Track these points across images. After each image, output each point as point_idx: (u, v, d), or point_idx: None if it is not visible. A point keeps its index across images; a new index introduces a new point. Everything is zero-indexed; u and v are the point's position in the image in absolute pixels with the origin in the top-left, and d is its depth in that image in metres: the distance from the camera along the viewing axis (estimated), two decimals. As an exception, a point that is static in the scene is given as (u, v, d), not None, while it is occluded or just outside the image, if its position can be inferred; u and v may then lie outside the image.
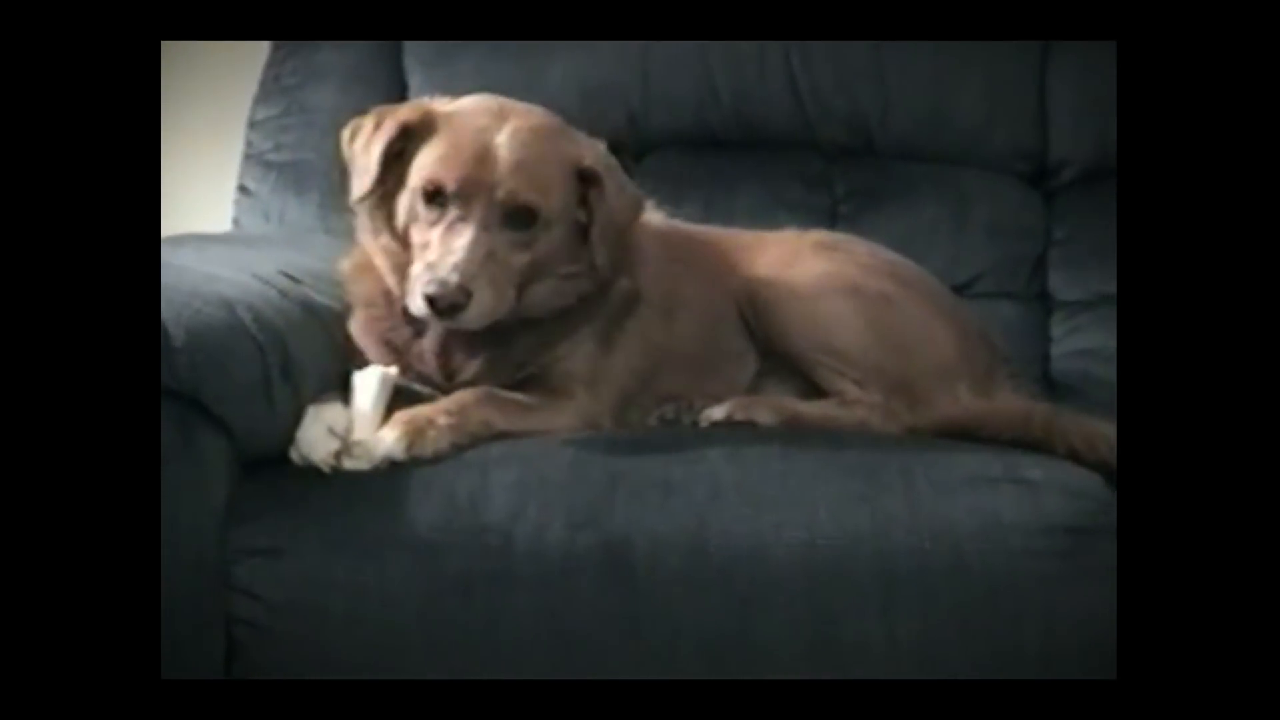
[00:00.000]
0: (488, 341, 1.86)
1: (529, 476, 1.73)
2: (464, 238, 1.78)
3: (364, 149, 1.86)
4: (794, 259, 2.05)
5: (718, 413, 1.91)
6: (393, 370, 1.83)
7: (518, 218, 1.81)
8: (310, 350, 1.84)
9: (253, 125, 2.58)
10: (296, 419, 1.77)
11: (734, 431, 1.89)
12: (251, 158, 2.56)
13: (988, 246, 2.50)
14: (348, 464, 1.74)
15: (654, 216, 2.05)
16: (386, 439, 1.74)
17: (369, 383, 1.80)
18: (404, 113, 1.87)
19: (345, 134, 1.91)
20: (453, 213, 1.79)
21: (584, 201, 1.85)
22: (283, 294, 1.88)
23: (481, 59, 2.53)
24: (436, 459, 1.75)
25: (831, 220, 2.45)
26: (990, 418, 1.93)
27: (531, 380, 1.90)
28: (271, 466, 1.75)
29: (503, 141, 1.81)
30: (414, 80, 2.56)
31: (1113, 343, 2.28)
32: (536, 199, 1.81)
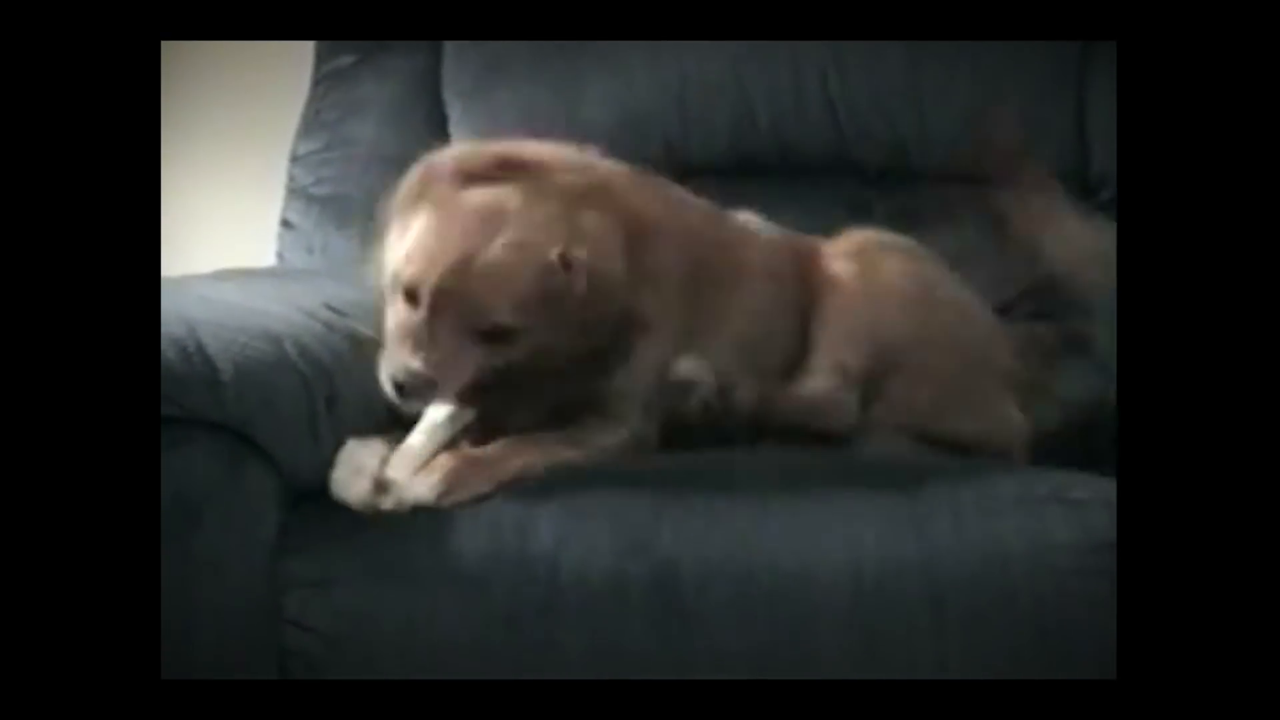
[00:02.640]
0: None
1: (575, 506, 1.73)
2: (435, 338, 1.77)
3: (400, 224, 1.85)
4: (871, 259, 2.06)
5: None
6: (469, 412, 1.83)
7: (494, 334, 1.79)
8: (355, 383, 1.85)
9: (295, 160, 2.59)
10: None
11: (780, 455, 1.89)
12: (294, 192, 2.58)
13: (1030, 267, 2.48)
14: (384, 504, 1.74)
15: (758, 235, 2.06)
16: (421, 485, 1.74)
17: (434, 419, 1.81)
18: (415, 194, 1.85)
19: (392, 191, 1.90)
20: (428, 316, 1.78)
21: (576, 294, 1.81)
22: (327, 327, 1.90)
23: (520, 89, 2.54)
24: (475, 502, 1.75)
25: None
26: None
27: (583, 405, 1.89)
28: (319, 499, 1.76)
29: (486, 260, 1.78)
30: (453, 112, 2.58)
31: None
32: (511, 321, 1.79)
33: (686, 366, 1.87)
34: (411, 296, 1.80)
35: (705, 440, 1.93)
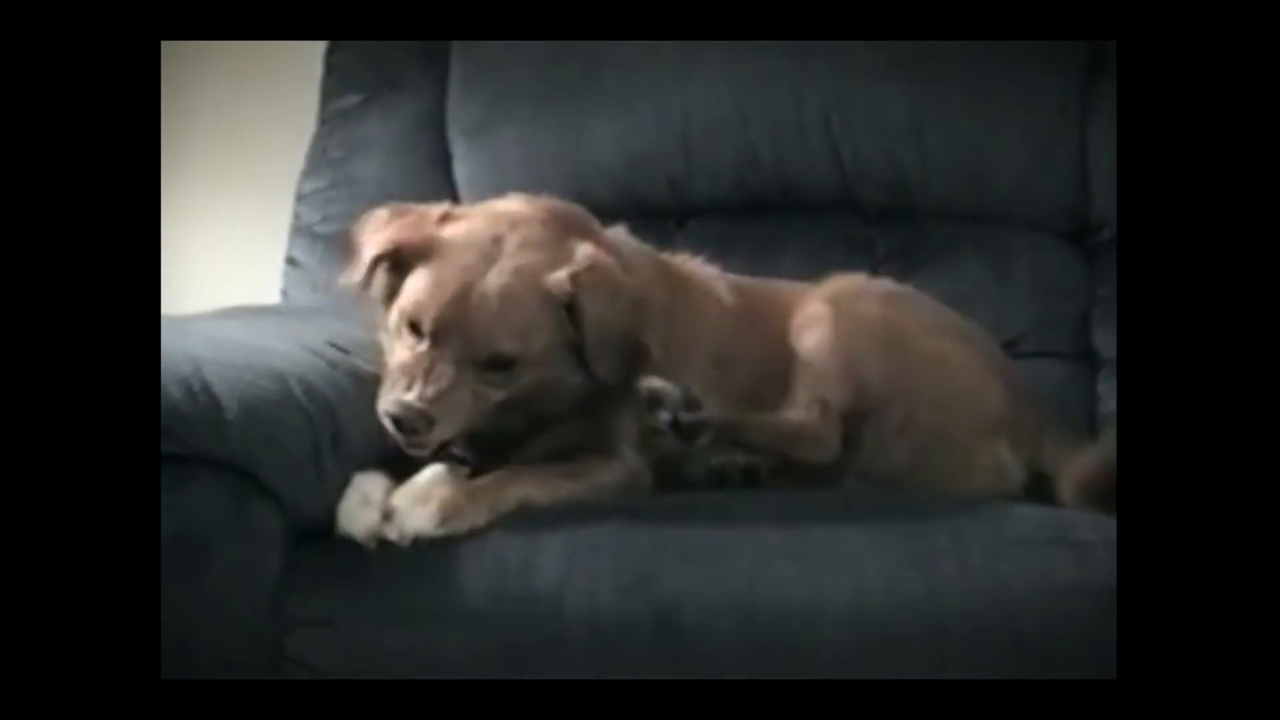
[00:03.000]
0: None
1: (578, 543, 1.74)
2: (435, 372, 1.78)
3: (367, 245, 1.88)
4: (853, 303, 2.05)
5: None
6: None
7: (494, 363, 1.81)
8: (359, 421, 1.86)
9: (300, 198, 2.61)
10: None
11: (783, 493, 1.89)
12: (299, 230, 2.59)
13: (1031, 306, 2.49)
14: (389, 534, 1.74)
15: (706, 271, 2.07)
16: (419, 514, 1.74)
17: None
18: (405, 230, 1.87)
19: (361, 220, 1.94)
20: (429, 347, 1.80)
21: (576, 322, 1.83)
22: (332, 365, 1.90)
23: (524, 128, 2.56)
24: (472, 534, 1.75)
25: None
26: None
27: (577, 445, 1.90)
28: (323, 537, 1.76)
29: (485, 289, 1.80)
30: (457, 150, 2.59)
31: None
32: (514, 348, 1.81)
33: (653, 382, 1.87)
34: (415, 328, 1.81)
35: (687, 465, 1.94)
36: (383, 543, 1.74)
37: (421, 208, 1.94)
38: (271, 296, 2.60)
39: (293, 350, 1.89)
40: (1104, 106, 2.55)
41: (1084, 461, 1.99)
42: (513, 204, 1.94)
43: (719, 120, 2.54)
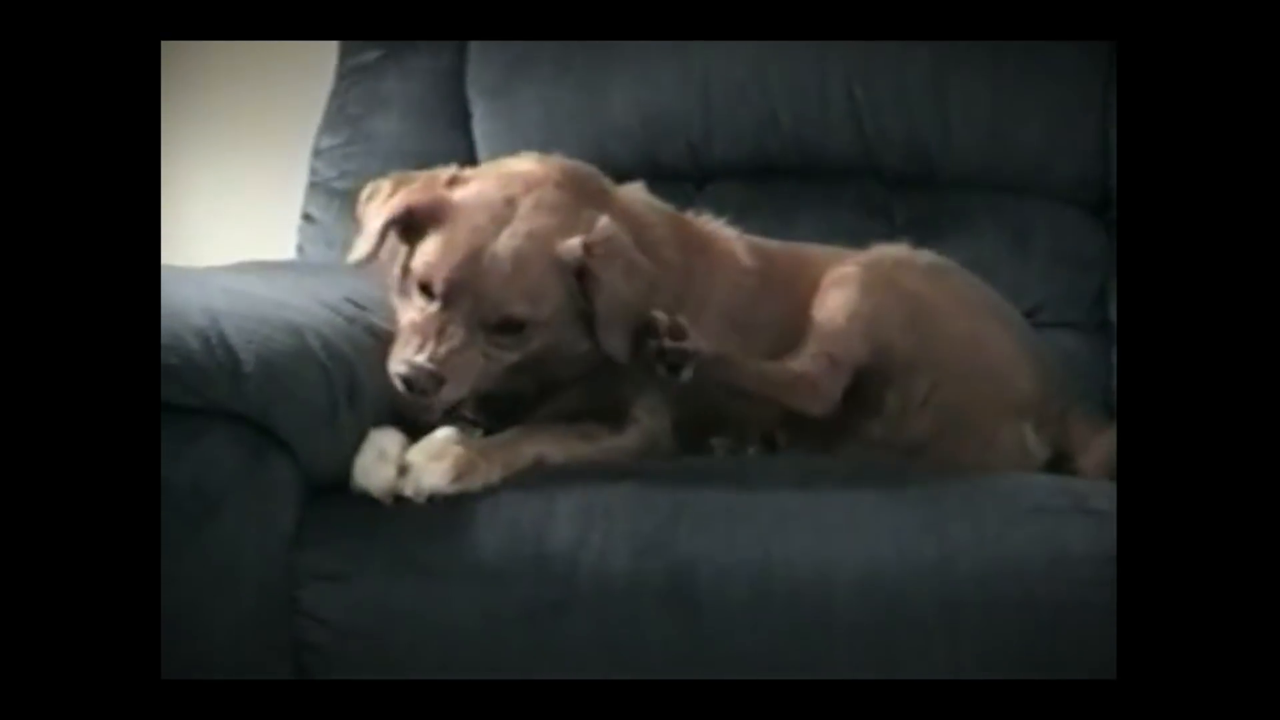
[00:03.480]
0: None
1: (593, 504, 1.73)
2: (446, 333, 1.78)
3: (373, 216, 1.87)
4: (890, 271, 2.03)
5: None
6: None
7: (505, 326, 1.80)
8: (376, 377, 1.85)
9: (317, 154, 2.60)
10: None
11: (800, 458, 1.89)
12: (316, 186, 2.59)
13: (1049, 276, 2.49)
14: (404, 490, 1.73)
15: (726, 232, 2.06)
16: (434, 471, 1.74)
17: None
18: (416, 194, 1.85)
19: (363, 193, 1.92)
20: (440, 308, 1.80)
21: (587, 291, 1.82)
22: (349, 321, 1.89)
23: (544, 88, 2.55)
24: (486, 491, 1.75)
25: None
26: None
27: (589, 410, 1.90)
28: (338, 492, 1.76)
29: (496, 250, 1.79)
30: (477, 109, 2.58)
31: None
32: (524, 311, 1.80)
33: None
34: (426, 290, 1.81)
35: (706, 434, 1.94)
36: (398, 499, 1.73)
37: (426, 173, 1.93)
38: (287, 252, 2.60)
39: (309, 305, 1.88)
40: (1126, 77, 2.54)
41: (1105, 441, 1.98)
42: (526, 164, 1.93)
43: (740, 84, 2.54)
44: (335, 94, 2.63)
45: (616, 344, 1.83)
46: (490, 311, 1.79)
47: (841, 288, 1.99)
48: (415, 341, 1.78)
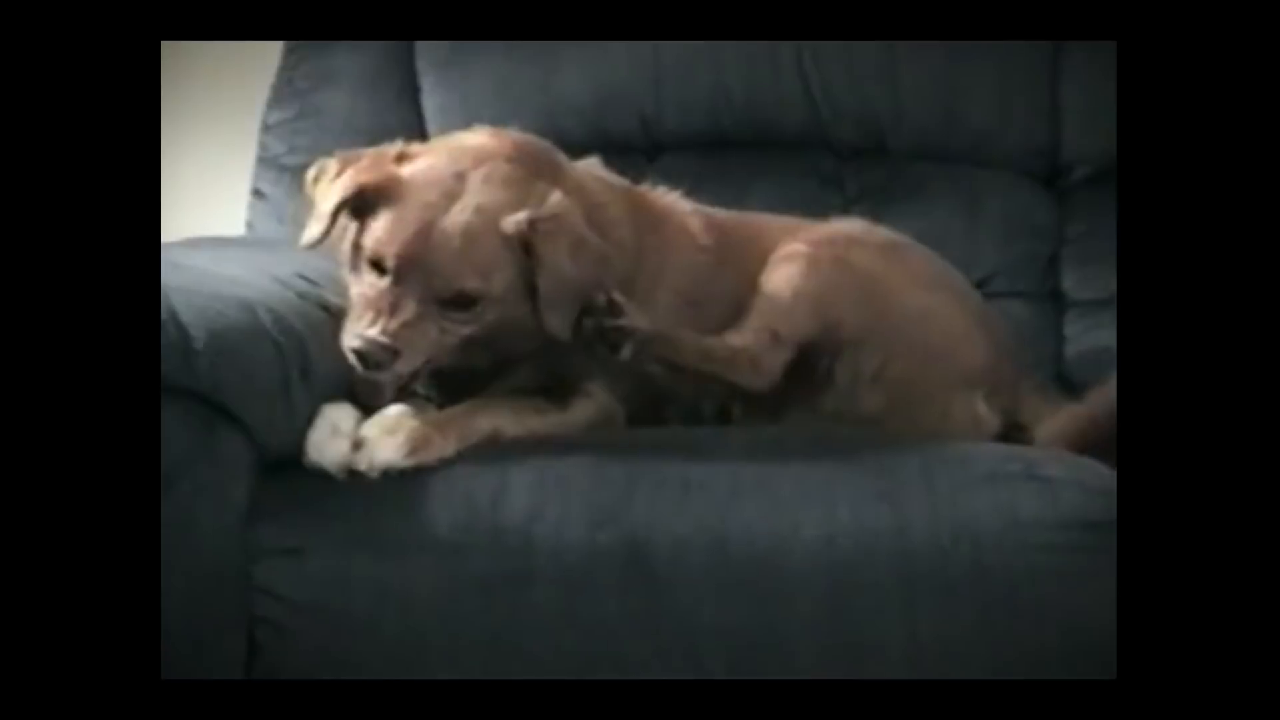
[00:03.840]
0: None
1: (548, 476, 1.73)
2: (398, 306, 1.77)
3: (323, 197, 1.85)
4: (843, 249, 2.03)
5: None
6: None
7: (457, 300, 1.80)
8: (328, 352, 1.84)
9: (266, 129, 2.58)
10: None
11: (755, 429, 1.89)
12: (265, 161, 2.57)
13: (1000, 246, 2.50)
14: (358, 464, 1.73)
15: (681, 205, 2.06)
16: (388, 445, 1.73)
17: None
18: (365, 173, 1.84)
19: (310, 174, 1.90)
20: (392, 284, 1.79)
21: (533, 268, 1.82)
22: (300, 296, 1.89)
23: (494, 61, 2.54)
24: (441, 464, 1.74)
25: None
26: None
27: (543, 385, 1.89)
28: (292, 467, 1.76)
29: (447, 225, 1.79)
30: (426, 81, 2.57)
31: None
32: (476, 286, 1.80)
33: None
34: (378, 266, 1.80)
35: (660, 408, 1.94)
36: (352, 473, 1.73)
37: (374, 150, 1.91)
38: (237, 229, 2.58)
39: (260, 280, 1.87)
40: (1075, 48, 2.55)
41: (1062, 415, 2.00)
42: (477, 137, 1.92)
43: (690, 56, 2.53)
44: (283, 68, 2.60)
45: (557, 321, 1.82)
46: (442, 286, 1.79)
47: (790, 263, 1.99)
48: (368, 316, 1.78)
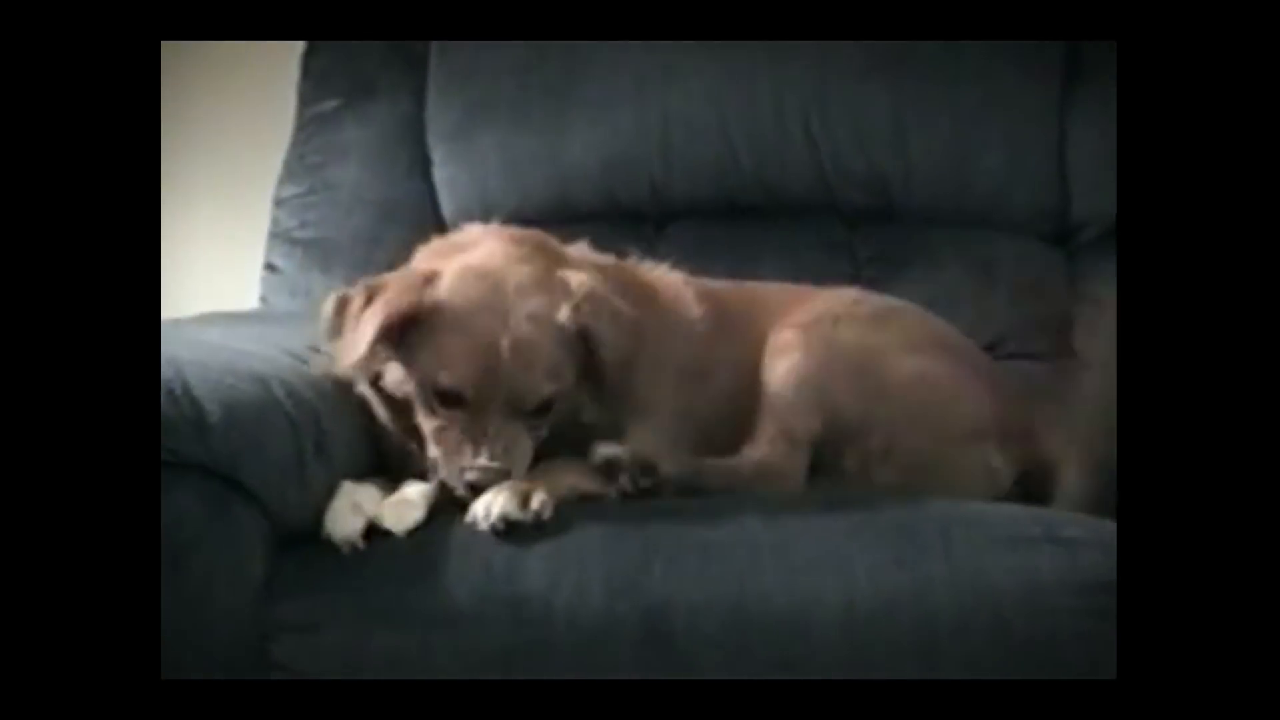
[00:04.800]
0: None
1: (566, 545, 1.73)
2: (492, 430, 1.80)
3: (353, 326, 1.84)
4: (830, 329, 2.03)
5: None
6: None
7: (538, 410, 1.83)
8: (343, 426, 1.85)
9: (278, 203, 2.60)
10: (330, 494, 1.78)
11: (769, 493, 1.89)
12: (278, 235, 2.58)
13: (1011, 308, 2.49)
14: (476, 517, 1.74)
15: (671, 278, 2.07)
16: (500, 502, 1.74)
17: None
18: (401, 300, 1.83)
19: (328, 305, 1.89)
20: (473, 410, 1.81)
21: (589, 348, 1.85)
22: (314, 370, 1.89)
23: (503, 132, 2.56)
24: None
25: (854, 286, 2.45)
26: None
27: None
28: (307, 541, 1.75)
29: (512, 344, 1.80)
30: (437, 155, 2.59)
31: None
32: (554, 389, 1.83)
33: (602, 450, 1.87)
34: (450, 399, 1.81)
35: None
36: (365, 545, 1.74)
37: (395, 275, 1.90)
38: (250, 303, 2.58)
39: (274, 354, 1.88)
40: (1082, 109, 2.56)
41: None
42: (483, 241, 1.93)
43: (699, 124, 2.55)
44: (295, 143, 2.62)
45: (622, 388, 1.86)
46: (527, 400, 1.82)
47: (786, 355, 1.99)
48: (468, 449, 1.80)
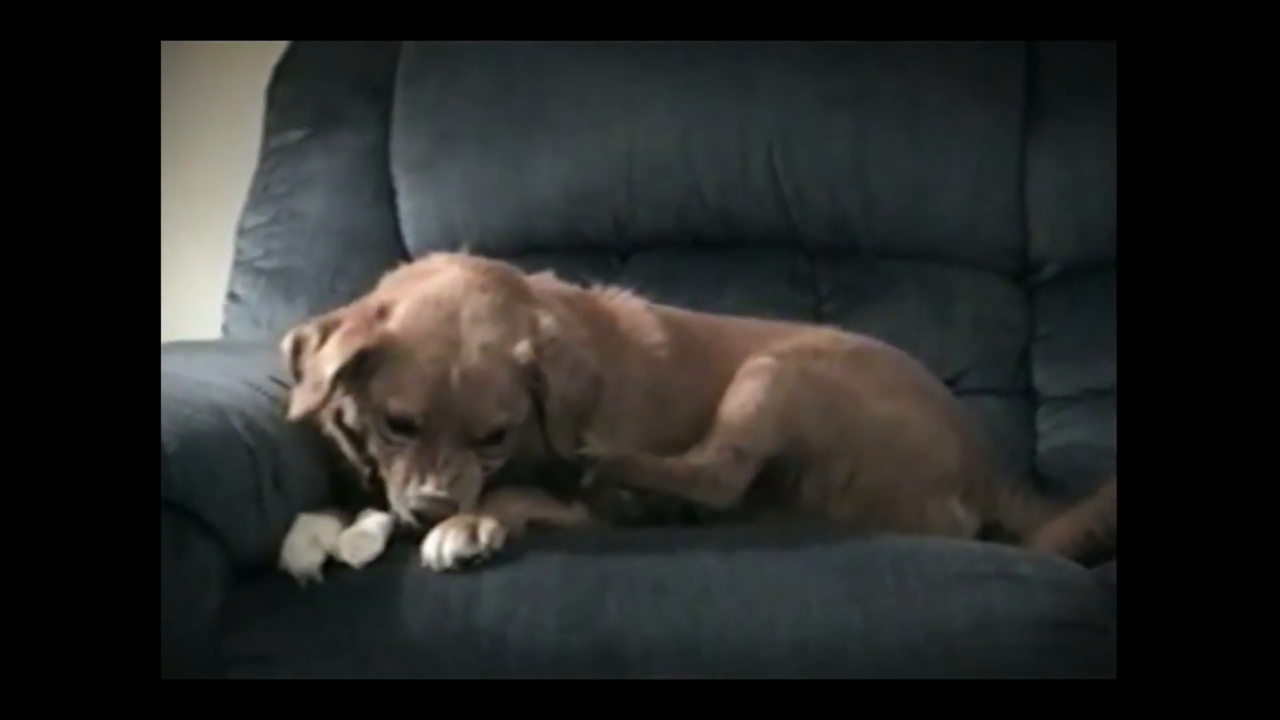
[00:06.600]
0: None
1: (521, 578, 1.73)
2: (440, 459, 1.80)
3: (313, 366, 1.85)
4: (809, 361, 2.04)
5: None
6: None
7: (490, 438, 1.84)
8: (301, 457, 1.85)
9: (242, 233, 2.60)
10: (288, 526, 1.78)
11: (727, 529, 1.90)
12: (241, 265, 2.58)
13: (972, 343, 2.51)
14: (428, 558, 1.74)
15: (633, 305, 2.08)
16: (450, 538, 1.73)
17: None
18: (356, 336, 1.84)
19: (286, 345, 1.90)
20: (423, 438, 1.81)
21: (537, 391, 1.86)
22: (273, 400, 1.89)
23: (468, 165, 2.56)
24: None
25: (816, 319, 2.47)
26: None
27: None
28: (264, 573, 1.75)
29: (462, 373, 1.81)
30: (401, 186, 2.59)
31: (1098, 437, 2.31)
32: (505, 418, 1.84)
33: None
34: (401, 426, 1.82)
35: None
36: (320, 579, 1.74)
37: (349, 310, 1.92)
38: (213, 332, 2.58)
39: (233, 385, 1.88)
40: (1042, 147, 2.58)
41: (1059, 525, 2.00)
42: (442, 271, 1.94)
43: (663, 157, 2.56)
44: (260, 173, 2.62)
45: (564, 441, 1.87)
46: (476, 428, 1.82)
47: (754, 378, 2.00)
48: (415, 477, 1.80)
